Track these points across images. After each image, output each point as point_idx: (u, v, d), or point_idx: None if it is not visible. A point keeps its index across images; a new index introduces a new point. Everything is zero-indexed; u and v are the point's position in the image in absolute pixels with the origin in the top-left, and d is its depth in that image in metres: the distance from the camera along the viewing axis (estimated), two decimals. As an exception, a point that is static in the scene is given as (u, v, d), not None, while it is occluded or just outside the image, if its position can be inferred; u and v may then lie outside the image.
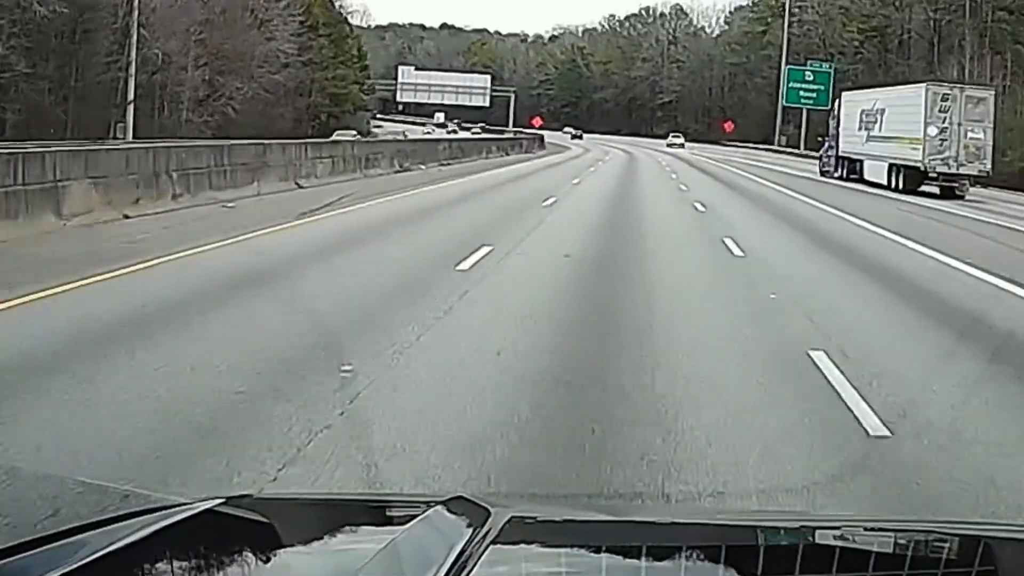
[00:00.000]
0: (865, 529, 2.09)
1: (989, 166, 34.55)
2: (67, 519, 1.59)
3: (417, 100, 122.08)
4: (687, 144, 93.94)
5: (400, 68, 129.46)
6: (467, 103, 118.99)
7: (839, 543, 1.88)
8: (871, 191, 34.85)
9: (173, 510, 1.69)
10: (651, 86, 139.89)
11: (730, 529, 1.95)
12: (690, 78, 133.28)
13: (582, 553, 1.70)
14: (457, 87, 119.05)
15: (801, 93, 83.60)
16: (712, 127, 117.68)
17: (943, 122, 33.70)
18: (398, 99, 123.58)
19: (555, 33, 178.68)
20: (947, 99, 34.01)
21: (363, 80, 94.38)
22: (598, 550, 1.69)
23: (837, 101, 46.85)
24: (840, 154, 43.07)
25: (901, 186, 34.66)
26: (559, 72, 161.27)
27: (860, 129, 40.47)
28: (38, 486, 2.00)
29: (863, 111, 40.49)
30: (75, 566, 1.39)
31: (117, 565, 1.47)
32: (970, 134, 33.79)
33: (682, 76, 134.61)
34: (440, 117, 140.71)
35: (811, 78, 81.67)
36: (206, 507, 1.73)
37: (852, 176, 40.70)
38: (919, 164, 33.88)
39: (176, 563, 1.59)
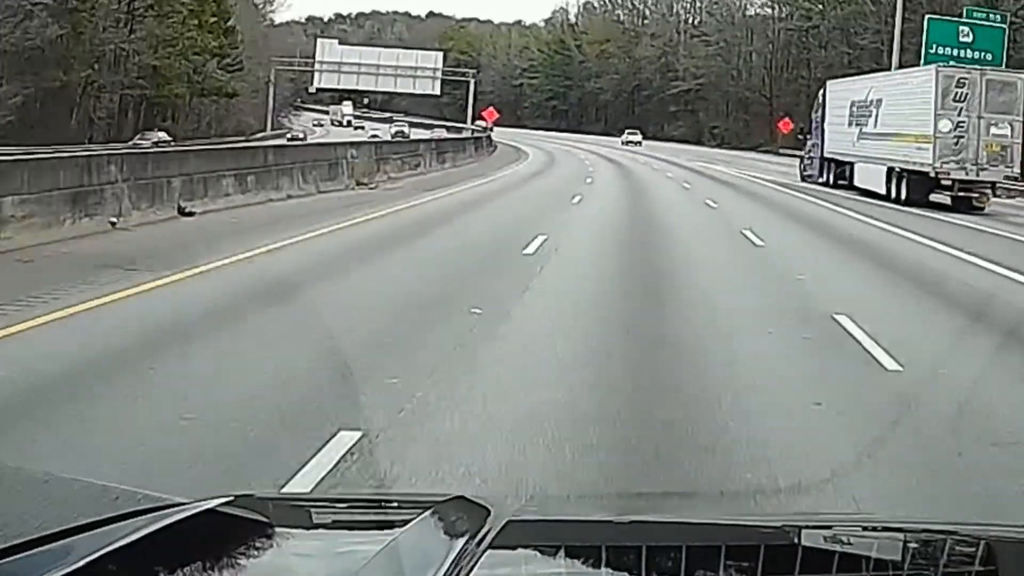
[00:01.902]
0: (865, 529, 2.09)
1: (1017, 169, 28.10)
2: (67, 519, 1.59)
3: (341, 86, 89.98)
4: (643, 143, 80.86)
5: (319, 42, 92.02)
6: (410, 90, 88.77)
7: (839, 543, 1.89)
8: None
9: (173, 510, 1.69)
10: (662, 70, 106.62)
11: (730, 529, 1.95)
12: (720, 56, 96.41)
13: (581, 553, 1.70)
14: (397, 69, 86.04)
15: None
16: (753, 126, 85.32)
17: (959, 114, 26.99)
18: (315, 85, 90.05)
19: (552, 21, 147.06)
20: (964, 85, 27.03)
21: (227, 51, 62.85)
22: (598, 550, 1.69)
23: (821, 91, 38.99)
24: (825, 155, 36.24)
25: (904, 196, 28.08)
26: (545, 56, 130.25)
27: (850, 125, 33.68)
28: (38, 486, 2.00)
29: (854, 103, 33.62)
30: (75, 566, 1.39)
31: (117, 565, 1.47)
32: (993, 130, 27.07)
33: (708, 55, 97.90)
34: (348, 107, 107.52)
35: (969, 38, 43.63)
36: (206, 507, 1.73)
37: (840, 182, 34.17)
38: (928, 168, 27.10)
39: (176, 563, 1.59)
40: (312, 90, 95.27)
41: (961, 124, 26.94)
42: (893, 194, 28.89)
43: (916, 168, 27.68)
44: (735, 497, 4.90)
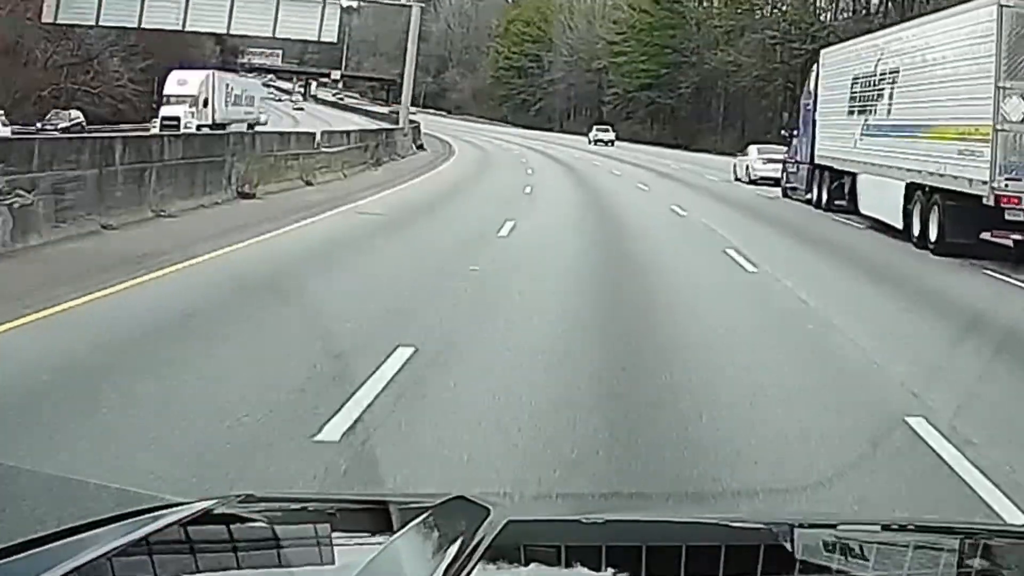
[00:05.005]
0: (865, 529, 2.09)
1: None
2: (67, 519, 1.59)
3: (111, 22, 44.57)
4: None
5: None
6: (266, 32, 44.13)
7: (839, 543, 1.89)
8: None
9: (173, 510, 1.69)
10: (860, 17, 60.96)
11: (730, 529, 1.95)
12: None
13: (581, 553, 1.70)
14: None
15: None
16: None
17: None
18: (46, 16, 43.01)
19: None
20: None
21: None
22: (597, 550, 1.69)
23: (815, 65, 26.44)
24: (816, 160, 24.30)
25: (935, 235, 16.31)
26: (640, 17, 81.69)
27: (851, 113, 21.46)
28: (38, 486, 2.00)
29: (857, 78, 21.37)
30: (75, 566, 1.39)
31: (117, 565, 1.47)
32: None
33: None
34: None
35: None
36: (206, 507, 1.74)
37: (837, 202, 22.43)
38: (981, 189, 14.92)
39: (176, 563, 1.59)
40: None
41: None
42: (915, 229, 17.07)
43: (958, 188, 15.69)
44: (735, 497, 4.91)
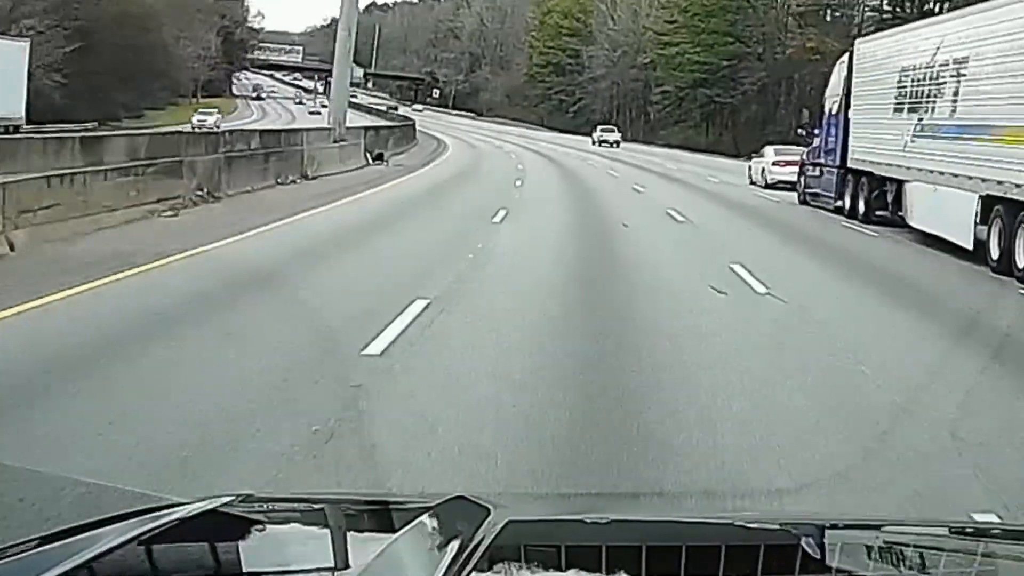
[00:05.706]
0: (865, 529, 2.09)
1: None
2: (67, 519, 1.59)
3: None
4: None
5: None
6: None
7: (839, 543, 1.89)
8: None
9: (173, 510, 1.69)
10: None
11: (730, 529, 1.95)
12: None
13: (581, 553, 1.70)
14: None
15: None
16: None
17: None
18: None
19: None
20: None
21: None
22: (598, 550, 1.69)
23: (848, 54, 23.24)
24: (850, 164, 21.69)
25: (1021, 261, 13.64)
26: (694, 0, 69.69)
27: (898, 111, 18.77)
28: (38, 486, 2.00)
29: (906, 71, 18.54)
30: (75, 566, 1.39)
31: (117, 565, 1.47)
32: None
33: None
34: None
35: None
36: (206, 507, 1.74)
37: (879, 212, 20.16)
38: None
39: (176, 563, 1.59)
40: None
41: None
42: (994, 252, 14.39)
43: None
44: (735, 497, 4.91)
